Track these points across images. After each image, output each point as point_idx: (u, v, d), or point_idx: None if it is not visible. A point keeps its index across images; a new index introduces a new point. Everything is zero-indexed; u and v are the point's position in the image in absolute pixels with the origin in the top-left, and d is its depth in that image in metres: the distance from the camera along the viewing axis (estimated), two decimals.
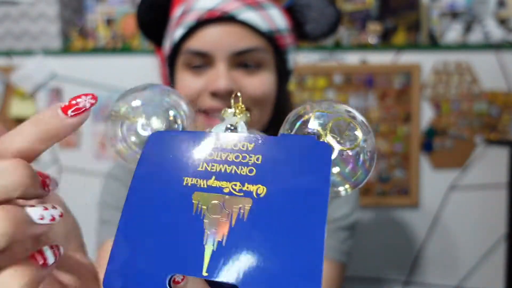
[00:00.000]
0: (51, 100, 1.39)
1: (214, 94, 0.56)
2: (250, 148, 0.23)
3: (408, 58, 1.39)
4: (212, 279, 0.20)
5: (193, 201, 0.22)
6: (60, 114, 0.25)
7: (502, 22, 1.45)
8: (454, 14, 1.46)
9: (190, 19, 0.58)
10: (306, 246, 0.20)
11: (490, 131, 1.42)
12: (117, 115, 0.28)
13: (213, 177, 0.23)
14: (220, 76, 0.55)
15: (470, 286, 1.47)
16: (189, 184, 0.23)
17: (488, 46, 1.39)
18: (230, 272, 0.20)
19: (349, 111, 0.25)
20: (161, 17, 0.66)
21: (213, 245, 0.21)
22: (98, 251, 0.70)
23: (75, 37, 1.40)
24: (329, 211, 0.63)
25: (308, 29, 0.67)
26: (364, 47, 1.40)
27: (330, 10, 0.66)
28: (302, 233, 0.20)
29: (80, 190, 1.41)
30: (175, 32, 0.60)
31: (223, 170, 0.23)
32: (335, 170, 0.24)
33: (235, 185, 0.22)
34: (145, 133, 0.27)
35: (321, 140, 0.24)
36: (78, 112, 0.26)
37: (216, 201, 0.22)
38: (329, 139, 0.24)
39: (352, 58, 1.40)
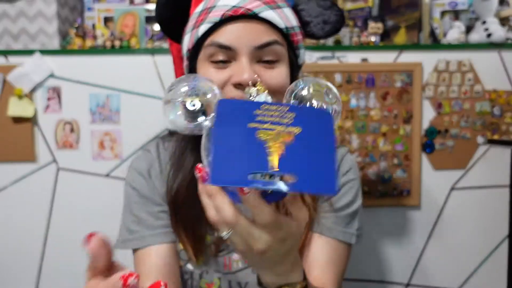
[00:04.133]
0: (49, 99, 1.37)
1: (238, 85, 0.62)
2: (286, 110, 0.41)
3: (409, 57, 1.38)
4: (279, 173, 0.36)
5: (258, 136, 0.38)
6: None
7: (504, 20, 1.44)
8: (456, 13, 1.45)
9: (215, 15, 0.64)
10: (327, 164, 0.38)
11: (493, 131, 1.41)
12: (172, 98, 0.44)
13: (269, 123, 0.39)
14: (244, 69, 0.61)
15: None
16: (253, 127, 0.39)
17: (490, 45, 1.37)
18: (287, 171, 0.36)
19: (328, 84, 0.47)
20: (179, 13, 0.73)
21: (278, 156, 0.37)
22: (147, 257, 0.73)
23: (73, 36, 1.39)
24: (334, 200, 0.75)
25: (313, 28, 0.76)
26: (365, 46, 1.39)
27: (333, 11, 0.75)
28: (324, 154, 0.38)
29: (78, 190, 1.40)
30: (199, 28, 0.66)
31: (273, 120, 0.39)
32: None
33: (282, 127, 0.39)
34: (192, 108, 0.43)
35: (314, 100, 0.45)
36: None
37: (273, 135, 0.38)
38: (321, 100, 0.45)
39: (353, 57, 1.38)
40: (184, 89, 0.44)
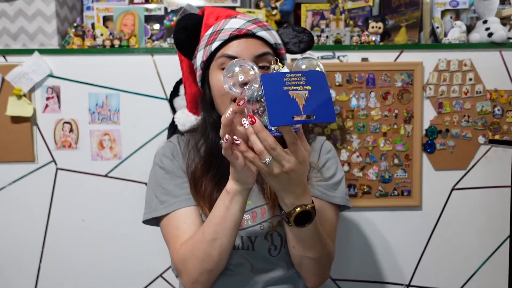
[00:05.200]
0: (48, 99, 1.37)
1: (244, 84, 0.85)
2: (300, 75, 0.62)
3: (410, 56, 1.37)
4: (305, 113, 0.61)
5: (290, 93, 0.61)
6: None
7: (505, 20, 1.43)
8: (457, 12, 1.44)
9: (224, 35, 0.89)
10: (328, 103, 0.63)
11: (494, 131, 1.40)
12: (229, 74, 0.68)
13: (293, 86, 0.61)
14: None
15: None
16: (286, 89, 0.61)
17: (492, 44, 1.37)
18: (308, 112, 0.61)
19: (317, 62, 0.70)
20: (192, 36, 0.96)
21: (302, 105, 0.61)
22: (176, 220, 0.91)
23: (72, 35, 1.38)
24: (322, 173, 0.97)
25: (291, 47, 1.01)
26: (365, 45, 1.38)
27: (305, 34, 1.02)
28: (325, 98, 0.63)
29: (77, 190, 1.40)
30: (212, 44, 0.90)
31: (295, 83, 0.62)
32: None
33: (301, 87, 0.62)
34: (241, 80, 0.67)
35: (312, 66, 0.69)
36: None
37: (297, 94, 0.61)
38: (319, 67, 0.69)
39: (353, 57, 1.38)
40: (237, 69, 0.68)
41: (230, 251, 0.84)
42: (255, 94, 0.65)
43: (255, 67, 0.68)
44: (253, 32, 0.89)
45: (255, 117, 0.64)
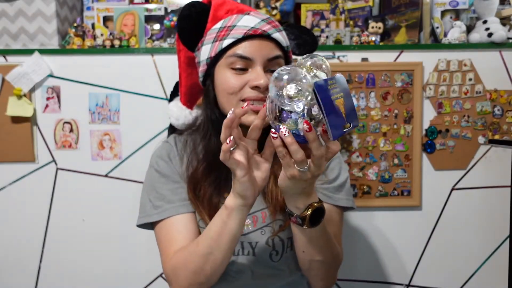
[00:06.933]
0: (48, 99, 1.37)
1: (255, 88, 0.81)
2: (334, 82, 0.60)
3: (410, 56, 1.37)
4: (347, 122, 0.60)
5: (336, 103, 0.58)
6: None
7: (505, 20, 1.43)
8: (456, 12, 1.44)
9: (237, 33, 0.83)
10: (354, 108, 0.62)
11: (494, 131, 1.40)
12: (281, 84, 0.61)
13: (334, 94, 0.58)
14: (260, 75, 0.81)
15: None
16: (332, 98, 0.58)
17: (491, 44, 1.37)
18: (348, 121, 0.60)
19: (320, 62, 0.65)
20: (197, 27, 0.89)
21: (345, 114, 0.60)
22: (170, 227, 0.88)
23: (72, 35, 1.38)
24: (326, 175, 0.95)
25: (293, 48, 0.97)
26: (365, 46, 1.38)
27: (309, 35, 0.99)
28: (352, 104, 0.62)
29: (77, 190, 1.40)
30: (223, 41, 0.84)
31: (335, 91, 0.59)
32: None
33: (338, 94, 0.59)
34: (294, 91, 0.60)
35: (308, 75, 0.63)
36: None
37: (340, 102, 0.59)
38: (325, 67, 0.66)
39: (353, 57, 1.38)
40: (286, 77, 0.60)
41: (224, 267, 0.81)
42: (307, 104, 0.61)
43: (308, 75, 0.62)
44: (268, 33, 0.84)
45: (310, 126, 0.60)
